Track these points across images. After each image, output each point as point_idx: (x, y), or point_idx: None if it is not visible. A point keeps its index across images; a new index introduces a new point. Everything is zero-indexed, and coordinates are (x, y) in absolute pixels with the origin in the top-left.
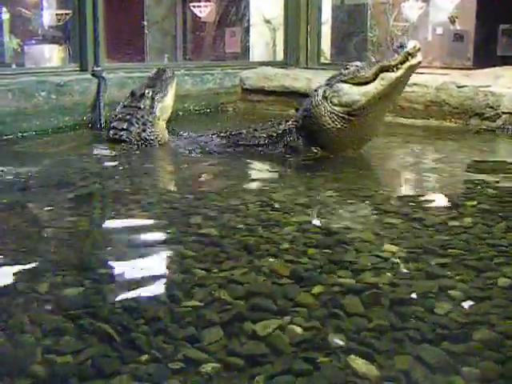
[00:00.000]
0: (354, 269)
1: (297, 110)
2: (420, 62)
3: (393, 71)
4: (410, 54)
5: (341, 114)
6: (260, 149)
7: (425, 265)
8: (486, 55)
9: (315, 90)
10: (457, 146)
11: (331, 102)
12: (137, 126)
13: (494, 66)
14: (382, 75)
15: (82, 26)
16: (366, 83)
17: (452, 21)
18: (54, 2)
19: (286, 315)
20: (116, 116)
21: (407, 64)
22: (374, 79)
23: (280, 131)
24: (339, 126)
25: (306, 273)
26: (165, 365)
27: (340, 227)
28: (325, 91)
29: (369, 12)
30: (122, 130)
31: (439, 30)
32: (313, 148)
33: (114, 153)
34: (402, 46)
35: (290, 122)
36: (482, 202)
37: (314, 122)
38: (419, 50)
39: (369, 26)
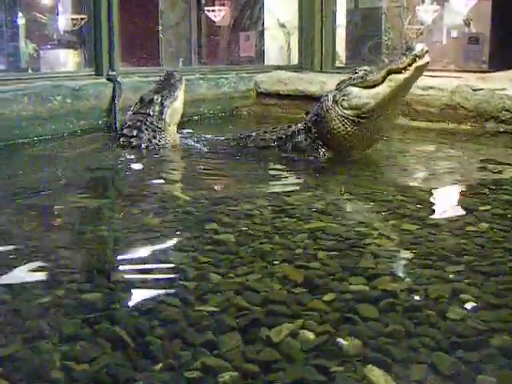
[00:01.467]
0: (370, 275)
1: (307, 113)
2: (427, 63)
3: (401, 73)
4: (418, 56)
5: (351, 117)
6: (269, 151)
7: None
8: (501, 58)
9: (325, 95)
10: (472, 150)
11: (341, 105)
12: (147, 132)
13: (510, 68)
14: (390, 77)
15: (97, 31)
16: (375, 86)
17: (467, 24)
18: (70, 6)
19: (299, 318)
20: (126, 123)
21: (415, 65)
22: (383, 82)
23: (289, 133)
24: (350, 129)
25: (320, 279)
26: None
27: (356, 232)
28: (335, 95)
29: (383, 15)
30: (132, 137)
31: (454, 33)
32: (320, 149)
33: (127, 157)
34: (409, 49)
35: (300, 125)
36: (497, 206)
37: (325, 126)
38: (427, 52)
39: (383, 30)
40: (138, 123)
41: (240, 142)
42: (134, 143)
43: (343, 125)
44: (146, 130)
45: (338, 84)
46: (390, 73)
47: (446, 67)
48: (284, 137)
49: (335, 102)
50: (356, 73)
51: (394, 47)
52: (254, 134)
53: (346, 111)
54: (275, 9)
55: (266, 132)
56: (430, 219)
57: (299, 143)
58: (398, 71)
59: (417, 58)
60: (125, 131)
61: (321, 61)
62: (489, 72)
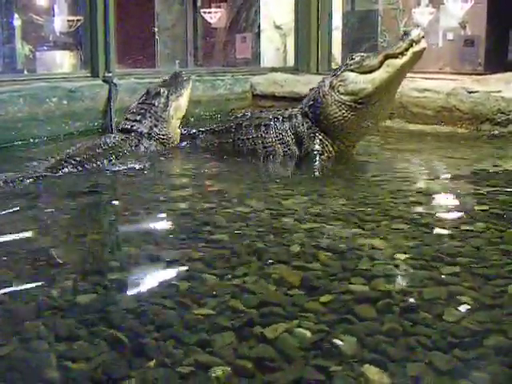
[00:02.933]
0: (366, 276)
1: (303, 97)
2: (424, 49)
3: (398, 58)
4: (415, 41)
5: (348, 103)
6: (264, 129)
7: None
8: (496, 60)
9: (322, 81)
10: (468, 152)
11: (338, 91)
12: (149, 120)
13: (505, 71)
14: (387, 62)
15: (94, 32)
16: (372, 71)
17: (463, 26)
18: (66, 8)
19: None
20: (130, 110)
21: (411, 50)
22: (380, 67)
23: (286, 115)
24: (346, 114)
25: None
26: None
27: (351, 235)
28: (331, 81)
29: (379, 18)
30: (135, 121)
31: (450, 36)
32: (317, 135)
33: (123, 156)
34: (406, 34)
35: (297, 109)
36: (493, 207)
37: (322, 112)
38: (423, 37)
39: (379, 32)
40: (142, 110)
41: (235, 121)
42: (135, 127)
43: (340, 110)
44: (150, 117)
45: (335, 70)
46: (386, 58)
47: (442, 69)
48: (281, 118)
49: (332, 87)
50: (352, 58)
51: None
52: (249, 113)
53: (342, 97)
54: (271, 11)
55: (261, 111)
56: (426, 221)
57: (297, 127)
58: (395, 56)
59: (413, 43)
60: (128, 116)
61: (317, 63)
62: (484, 74)
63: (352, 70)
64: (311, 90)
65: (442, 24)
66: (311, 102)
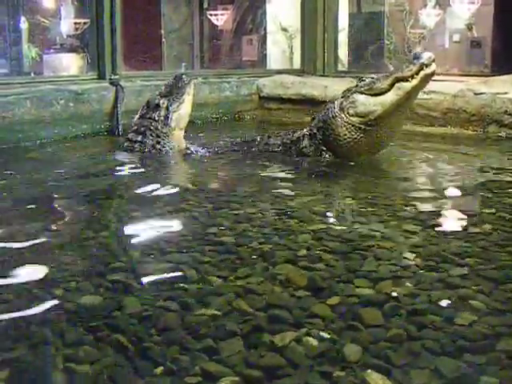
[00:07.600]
0: (373, 278)
1: (312, 119)
2: (434, 72)
3: (408, 81)
4: (425, 64)
5: (357, 125)
6: (273, 155)
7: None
8: (503, 62)
9: (332, 102)
10: (474, 154)
11: (348, 113)
12: (151, 138)
13: None
14: (397, 85)
15: (100, 35)
16: (382, 93)
17: (469, 28)
18: (72, 11)
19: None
20: (132, 127)
21: (422, 73)
22: (390, 89)
23: (294, 138)
24: (355, 136)
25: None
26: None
27: (358, 235)
28: (341, 102)
29: (385, 19)
30: (136, 142)
31: (456, 37)
32: (324, 155)
33: (130, 160)
34: (417, 57)
35: (305, 131)
36: (500, 210)
37: (331, 133)
38: (434, 60)
39: (386, 34)
40: (143, 128)
41: (244, 146)
42: (137, 149)
43: (349, 132)
44: (151, 135)
45: (344, 91)
46: (396, 81)
47: (449, 71)
48: (289, 142)
49: (341, 109)
50: (363, 80)
51: (397, 51)
52: (258, 138)
53: (352, 118)
54: (277, 13)
55: (270, 137)
56: (433, 222)
57: (304, 148)
58: (405, 79)
59: (424, 67)
60: (130, 136)
61: (323, 65)
62: (491, 76)
63: (362, 92)
64: (320, 111)
65: (449, 26)
66: (321, 124)
